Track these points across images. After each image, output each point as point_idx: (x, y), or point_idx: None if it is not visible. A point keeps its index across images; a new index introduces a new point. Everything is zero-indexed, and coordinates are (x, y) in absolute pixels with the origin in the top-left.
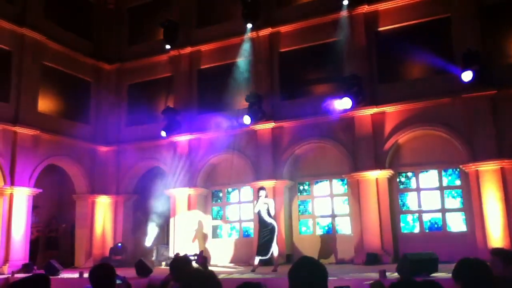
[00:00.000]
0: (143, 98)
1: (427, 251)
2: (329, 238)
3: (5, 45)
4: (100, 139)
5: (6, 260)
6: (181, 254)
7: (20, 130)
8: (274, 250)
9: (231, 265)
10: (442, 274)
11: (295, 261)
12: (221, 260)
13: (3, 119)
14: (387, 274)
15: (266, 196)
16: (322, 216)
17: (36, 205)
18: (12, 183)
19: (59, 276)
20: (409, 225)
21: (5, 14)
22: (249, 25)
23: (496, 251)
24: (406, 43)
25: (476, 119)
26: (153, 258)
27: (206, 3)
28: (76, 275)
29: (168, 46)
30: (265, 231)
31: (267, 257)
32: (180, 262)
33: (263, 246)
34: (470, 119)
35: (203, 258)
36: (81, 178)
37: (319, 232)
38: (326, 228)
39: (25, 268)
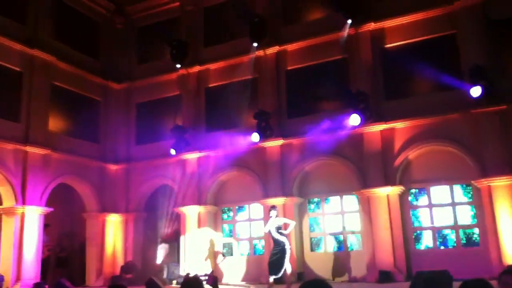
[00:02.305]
0: (152, 117)
1: (441, 269)
2: (340, 256)
3: (16, 66)
4: (109, 157)
5: (18, 279)
6: (192, 274)
7: (30, 149)
8: (287, 268)
9: (243, 283)
10: None
11: (304, 282)
12: (232, 278)
13: (14, 139)
14: None
15: (277, 215)
16: (333, 234)
17: (47, 224)
18: (24, 203)
19: None
20: (422, 242)
21: (16, 36)
22: (255, 44)
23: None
24: (413, 60)
25: (486, 135)
26: (164, 276)
27: (214, 23)
28: None
29: (178, 65)
30: (276, 250)
31: (279, 276)
32: (191, 284)
33: (273, 265)
34: (480, 135)
35: (213, 278)
36: (91, 197)
37: (330, 249)
38: (338, 245)
39: (36, 287)
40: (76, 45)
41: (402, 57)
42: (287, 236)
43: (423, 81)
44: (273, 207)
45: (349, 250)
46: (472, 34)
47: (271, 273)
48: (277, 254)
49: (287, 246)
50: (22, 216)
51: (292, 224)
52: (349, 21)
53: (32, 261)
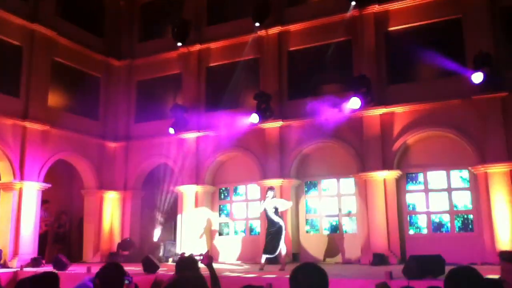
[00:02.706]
0: (152, 95)
1: (434, 253)
2: (335, 238)
3: (16, 41)
4: (109, 135)
5: (15, 254)
6: (187, 253)
7: (29, 125)
8: (282, 248)
9: (238, 262)
10: None
11: (296, 266)
12: (228, 257)
13: (13, 114)
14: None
15: (274, 196)
16: (328, 216)
17: (46, 200)
18: (22, 178)
19: (67, 271)
20: (417, 226)
21: (17, 10)
22: (257, 24)
23: (509, 256)
24: (416, 44)
25: (486, 121)
26: (160, 254)
27: (217, 2)
28: (84, 270)
29: (179, 44)
30: (271, 229)
31: (274, 255)
32: (185, 263)
33: (270, 245)
34: (480, 121)
35: (208, 258)
36: (90, 174)
37: (326, 231)
38: (333, 227)
39: (33, 262)
40: (78, 21)
41: (405, 41)
42: (282, 217)
43: (426, 66)
44: (271, 188)
45: (344, 232)
46: (478, 20)
47: (265, 252)
48: (272, 234)
49: (283, 227)
50: (20, 192)
51: (289, 204)
52: (353, 3)
53: (30, 237)
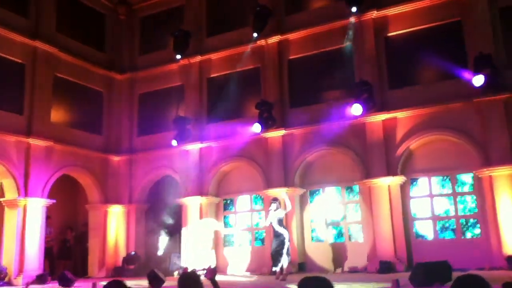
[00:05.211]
0: (154, 107)
1: (441, 259)
2: (341, 246)
3: (18, 58)
4: (112, 148)
5: (20, 271)
6: (190, 268)
7: (33, 141)
8: (284, 260)
9: (247, 274)
10: None
11: (301, 279)
12: (233, 269)
13: (16, 130)
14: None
15: (278, 208)
16: (333, 224)
17: (48, 215)
18: (26, 194)
19: (73, 287)
20: (423, 232)
21: (18, 28)
22: (255, 34)
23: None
24: (416, 48)
25: (489, 124)
26: (166, 267)
27: (216, 12)
28: (90, 286)
29: (178, 56)
30: (276, 241)
31: (278, 267)
32: (188, 279)
33: (274, 257)
34: (483, 124)
35: (212, 272)
36: (94, 188)
37: (331, 240)
38: (338, 236)
39: (39, 279)
40: (79, 36)
41: (405, 46)
42: (286, 226)
43: (427, 70)
44: (274, 199)
45: (350, 240)
46: (478, 22)
47: (273, 265)
48: (277, 246)
49: (287, 238)
50: (25, 208)
51: (288, 207)
52: (354, 9)
53: (35, 253)
